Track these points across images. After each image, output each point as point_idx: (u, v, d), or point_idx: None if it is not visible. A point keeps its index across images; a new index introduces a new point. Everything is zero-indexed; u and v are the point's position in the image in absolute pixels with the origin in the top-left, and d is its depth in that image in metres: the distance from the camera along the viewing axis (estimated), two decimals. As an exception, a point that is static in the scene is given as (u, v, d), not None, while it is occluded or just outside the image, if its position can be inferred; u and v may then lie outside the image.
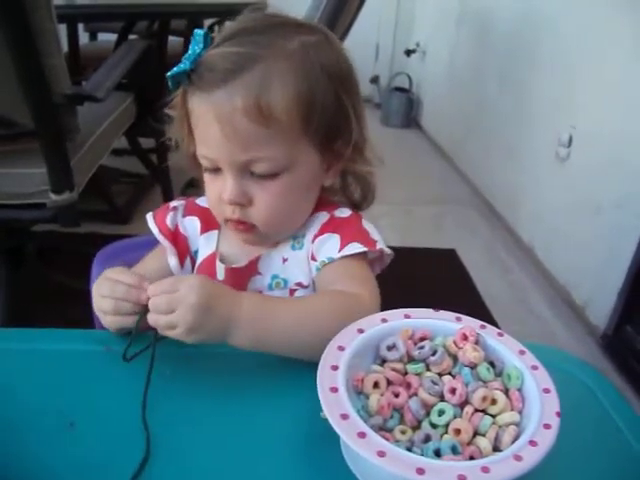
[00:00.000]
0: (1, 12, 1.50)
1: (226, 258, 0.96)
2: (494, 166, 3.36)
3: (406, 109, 4.82)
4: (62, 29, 1.73)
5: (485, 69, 3.57)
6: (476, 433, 0.63)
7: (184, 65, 0.80)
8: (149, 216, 1.00)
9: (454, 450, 0.59)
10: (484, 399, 0.64)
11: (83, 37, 3.53)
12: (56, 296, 2.23)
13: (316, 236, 0.91)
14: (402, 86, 4.88)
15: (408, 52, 4.91)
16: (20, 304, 2.18)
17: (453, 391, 0.64)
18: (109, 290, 0.78)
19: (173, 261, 0.97)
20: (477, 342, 0.69)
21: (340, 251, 0.87)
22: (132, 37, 3.04)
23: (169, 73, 0.82)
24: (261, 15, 0.87)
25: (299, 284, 0.93)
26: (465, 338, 0.69)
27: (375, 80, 5.14)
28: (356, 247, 0.87)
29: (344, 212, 0.94)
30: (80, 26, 3.34)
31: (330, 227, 0.91)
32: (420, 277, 2.63)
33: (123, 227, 2.84)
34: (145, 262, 0.98)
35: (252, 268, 0.94)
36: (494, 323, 0.73)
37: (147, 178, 3.21)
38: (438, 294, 2.42)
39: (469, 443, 0.62)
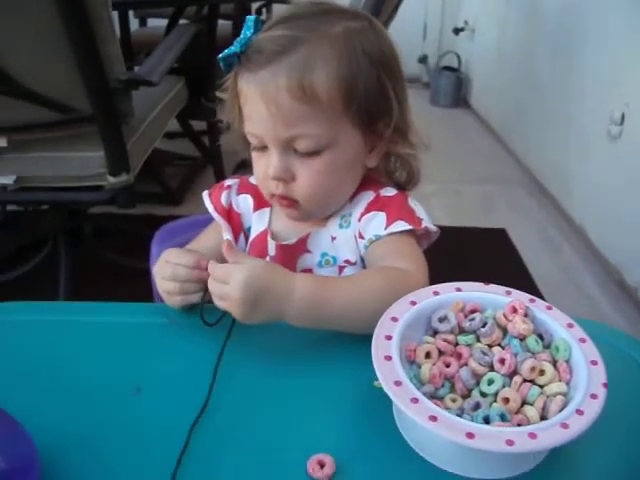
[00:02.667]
0: (60, 1, 1.55)
1: (277, 235, 0.99)
2: (545, 145, 3.32)
3: (455, 88, 4.78)
4: (114, 16, 1.79)
5: (535, 46, 3.52)
6: (524, 402, 0.65)
7: (234, 48, 0.85)
8: (205, 194, 1.05)
9: (502, 417, 0.62)
10: (532, 370, 0.66)
11: (133, 23, 3.59)
12: (113, 275, 2.30)
13: (362, 214, 0.94)
14: (451, 65, 4.83)
15: (456, 30, 4.86)
16: (79, 283, 2.26)
17: (502, 361, 0.66)
18: (171, 273, 0.83)
19: (227, 237, 1.01)
20: (526, 315, 0.71)
21: (386, 229, 0.89)
22: (182, 22, 3.08)
23: (220, 55, 0.86)
24: (308, 2, 0.91)
25: (347, 261, 0.95)
26: (514, 311, 0.71)
27: (423, 60, 5.10)
28: (401, 225, 0.89)
29: (390, 191, 0.96)
30: (131, 12, 3.40)
31: (376, 205, 0.94)
32: (470, 257, 2.63)
33: (176, 208, 2.90)
34: (200, 239, 1.03)
35: (301, 246, 0.97)
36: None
37: (199, 160, 3.26)
38: (488, 273, 2.39)
39: (517, 412, 0.64)
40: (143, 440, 0.66)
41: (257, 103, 0.85)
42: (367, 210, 0.94)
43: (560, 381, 0.66)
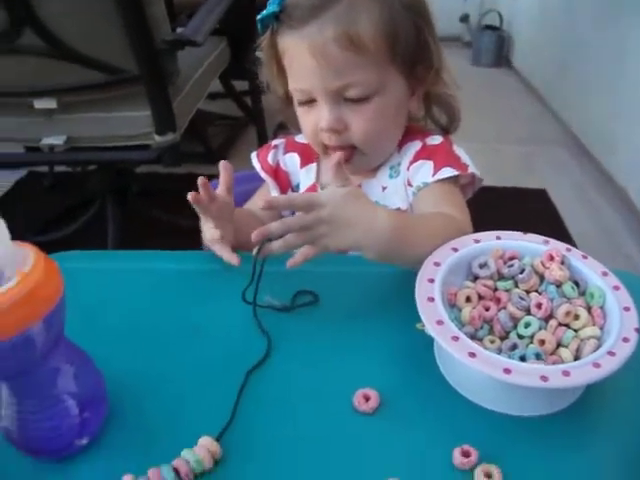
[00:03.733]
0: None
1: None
2: (588, 105, 3.27)
3: (497, 47, 4.71)
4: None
5: (580, 4, 3.45)
6: (559, 345, 0.68)
7: (272, 7, 0.88)
8: (253, 155, 1.09)
9: (538, 357, 0.65)
10: (567, 314, 0.69)
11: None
12: (158, 232, 2.36)
13: (411, 163, 0.98)
14: (493, 24, 4.76)
15: (499, -12, 4.77)
16: (126, 240, 2.33)
17: (539, 306, 0.70)
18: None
19: (275, 195, 1.05)
20: (563, 263, 0.74)
21: (434, 176, 0.93)
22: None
23: (259, 17, 0.89)
24: None
25: (398, 209, 0.99)
26: (551, 259, 0.74)
27: (465, 19, 5.03)
28: (448, 171, 0.92)
29: (436, 139, 1.00)
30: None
31: (423, 154, 0.97)
32: (510, 216, 2.62)
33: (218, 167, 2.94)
34: (253, 200, 1.08)
35: None
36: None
37: (241, 120, 3.30)
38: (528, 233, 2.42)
39: (552, 353, 0.67)
40: (202, 379, 0.72)
41: (304, 57, 0.88)
42: (415, 159, 0.98)
43: (594, 325, 0.69)
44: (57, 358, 0.60)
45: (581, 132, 3.36)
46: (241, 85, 3.00)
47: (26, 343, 0.54)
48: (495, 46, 4.70)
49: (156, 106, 1.87)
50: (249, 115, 3.12)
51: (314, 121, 0.93)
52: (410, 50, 0.91)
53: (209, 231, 0.87)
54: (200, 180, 0.81)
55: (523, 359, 0.65)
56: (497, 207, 2.41)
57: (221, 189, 0.86)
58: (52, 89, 1.89)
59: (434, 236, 0.80)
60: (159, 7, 1.79)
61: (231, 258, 0.85)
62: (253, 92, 2.92)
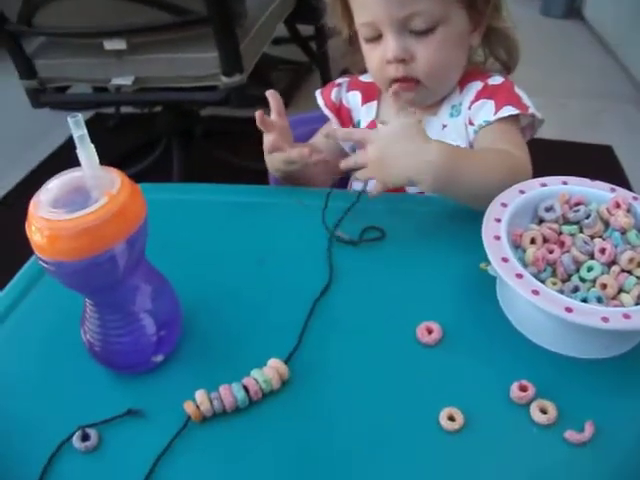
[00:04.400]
0: None
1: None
2: (661, 60, 3.16)
3: (568, -2, 4.56)
4: None
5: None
6: (621, 290, 0.69)
7: None
8: (318, 92, 1.13)
9: (599, 300, 0.66)
10: (631, 261, 0.69)
11: None
12: (223, 172, 2.39)
13: (472, 102, 0.98)
14: (565, -27, 4.60)
15: None
16: (192, 180, 2.37)
17: (603, 251, 0.70)
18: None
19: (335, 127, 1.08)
20: (629, 211, 0.74)
21: (495, 114, 0.93)
22: None
23: None
24: None
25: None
26: (618, 206, 0.74)
27: (536, -33, 4.87)
28: (510, 110, 0.93)
29: (497, 80, 1.00)
30: None
31: (485, 93, 0.98)
32: (573, 172, 2.59)
33: (283, 111, 2.95)
34: (317, 136, 1.10)
35: None
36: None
37: (305, 65, 3.29)
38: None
39: (614, 298, 0.68)
40: (271, 304, 0.75)
41: None
42: (477, 98, 0.98)
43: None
44: (137, 278, 0.64)
45: (653, 88, 3.26)
46: (306, 30, 2.99)
47: (111, 261, 0.58)
48: (566, -3, 4.55)
49: (223, 47, 1.89)
50: (314, 60, 3.11)
51: (380, 55, 0.95)
52: None
53: (269, 141, 0.91)
54: (258, 113, 0.88)
55: (584, 302, 0.66)
56: (561, 161, 2.36)
57: (274, 115, 0.92)
58: (122, 30, 1.92)
59: (490, 168, 0.83)
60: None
61: (296, 152, 0.89)
62: (318, 37, 2.90)
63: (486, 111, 0.95)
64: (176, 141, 2.44)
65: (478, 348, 0.69)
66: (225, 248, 0.85)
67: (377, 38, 0.94)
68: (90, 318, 0.65)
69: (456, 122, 1.00)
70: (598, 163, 2.77)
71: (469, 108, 0.99)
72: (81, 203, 0.57)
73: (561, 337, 0.67)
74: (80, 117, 0.57)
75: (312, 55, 3.09)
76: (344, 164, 0.84)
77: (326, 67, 2.95)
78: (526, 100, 0.97)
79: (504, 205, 0.74)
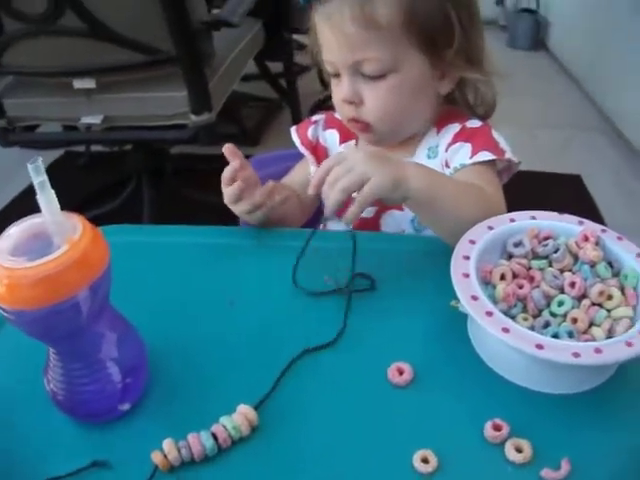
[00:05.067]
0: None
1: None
2: (624, 90, 3.22)
3: (533, 31, 4.64)
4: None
5: (618, -13, 3.39)
6: (591, 324, 0.69)
7: None
8: (293, 129, 1.12)
9: (570, 335, 0.66)
10: (601, 294, 0.69)
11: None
12: (192, 211, 2.38)
13: (449, 145, 0.98)
14: (529, 7, 4.69)
15: (536, -29, 4.71)
16: (161, 220, 2.35)
17: (573, 285, 0.70)
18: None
19: (313, 169, 1.07)
20: (597, 243, 0.74)
21: (471, 158, 0.93)
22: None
23: None
24: None
25: None
26: (586, 239, 0.74)
27: (501, 2, 4.96)
28: (486, 155, 0.93)
29: (475, 123, 1.00)
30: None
31: (462, 136, 0.98)
32: (544, 202, 2.60)
33: (253, 148, 2.95)
34: (291, 174, 1.10)
35: None
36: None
37: (275, 101, 3.31)
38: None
39: (585, 332, 0.68)
40: (239, 347, 0.74)
41: (327, 33, 0.92)
42: (454, 141, 0.98)
43: (627, 306, 0.69)
44: (102, 324, 0.63)
45: (618, 117, 3.32)
46: (276, 67, 3.02)
47: (73, 308, 0.57)
48: (531, 29, 4.64)
49: (192, 86, 1.89)
50: (283, 96, 3.13)
51: (339, 93, 0.96)
52: (432, 31, 0.91)
53: (234, 191, 0.89)
54: (226, 147, 0.88)
55: (556, 337, 0.66)
56: (531, 191, 2.39)
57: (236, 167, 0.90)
58: (91, 69, 1.92)
59: (464, 192, 0.84)
60: (196, -13, 1.81)
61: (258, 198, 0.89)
62: (287, 74, 2.93)
63: (462, 154, 0.95)
64: (146, 179, 2.43)
65: (450, 387, 0.68)
66: (194, 290, 0.83)
67: (338, 75, 0.96)
68: (53, 367, 0.64)
69: (433, 164, 1.00)
70: (568, 192, 2.81)
71: (446, 150, 0.99)
72: (42, 250, 0.55)
73: (534, 373, 0.67)
74: (40, 163, 0.55)
75: (282, 92, 3.11)
76: (311, 189, 0.80)
77: (296, 104, 2.97)
78: (503, 145, 0.97)
79: (472, 242, 0.74)
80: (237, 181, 0.88)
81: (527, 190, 2.14)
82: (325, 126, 1.10)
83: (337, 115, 1.08)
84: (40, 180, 0.56)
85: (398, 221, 1.02)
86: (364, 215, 1.00)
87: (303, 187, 1.01)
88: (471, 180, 0.90)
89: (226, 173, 0.88)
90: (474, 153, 0.94)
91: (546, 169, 2.92)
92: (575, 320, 0.68)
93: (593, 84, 3.72)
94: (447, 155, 0.98)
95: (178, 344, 0.74)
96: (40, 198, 0.56)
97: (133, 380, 0.66)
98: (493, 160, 0.93)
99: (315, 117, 1.12)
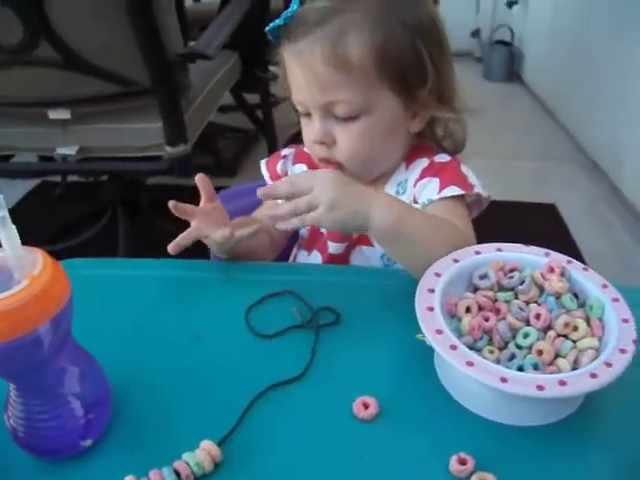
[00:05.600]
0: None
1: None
2: (598, 121, 3.28)
3: (508, 63, 4.72)
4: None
5: (590, 21, 3.46)
6: (557, 355, 0.69)
7: (279, 21, 0.91)
8: (262, 162, 1.12)
9: (535, 367, 0.66)
10: (566, 325, 0.70)
11: (187, -1, 3.66)
12: (168, 243, 2.38)
13: (417, 180, 0.98)
14: (504, 39, 4.78)
15: (510, 4, 4.78)
16: (136, 251, 2.34)
17: (538, 316, 0.70)
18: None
19: (281, 203, 1.06)
20: (562, 275, 0.75)
21: (439, 193, 0.93)
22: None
23: (267, 28, 0.92)
24: None
25: None
26: (551, 270, 0.75)
27: (476, 34, 5.05)
28: (454, 190, 0.93)
29: (443, 157, 1.00)
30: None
31: (430, 172, 0.98)
32: (519, 231, 2.62)
33: (230, 180, 2.96)
34: (261, 207, 1.08)
35: None
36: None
37: (252, 133, 3.32)
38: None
39: (550, 364, 0.68)
40: (205, 382, 0.73)
41: (296, 71, 0.91)
42: (422, 176, 0.98)
43: (592, 337, 0.70)
44: (64, 359, 0.62)
45: (591, 147, 3.37)
46: (252, 98, 3.03)
47: (34, 342, 0.56)
48: (506, 61, 4.72)
49: (168, 118, 1.90)
50: (260, 128, 3.15)
51: (310, 132, 0.95)
52: (405, 71, 0.91)
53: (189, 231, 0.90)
54: (170, 203, 0.88)
55: (521, 369, 0.66)
56: (507, 221, 2.41)
57: (202, 200, 0.91)
58: (66, 100, 1.93)
59: (434, 226, 0.84)
60: (172, 20, 1.82)
61: (219, 235, 0.87)
62: (264, 105, 2.95)
63: (430, 190, 0.95)
64: (122, 210, 2.43)
65: (416, 421, 0.67)
66: (160, 324, 0.83)
67: (308, 115, 0.95)
68: (14, 402, 0.62)
69: (403, 200, 1.00)
70: (543, 222, 2.84)
71: (414, 185, 0.99)
72: (2, 285, 0.55)
73: (499, 406, 0.67)
74: (1, 199, 0.55)
75: (258, 123, 3.13)
76: (281, 225, 0.81)
77: (272, 135, 2.99)
78: (472, 179, 0.97)
79: (437, 275, 0.74)
80: (194, 218, 0.89)
81: (503, 220, 2.16)
82: (294, 160, 1.10)
83: (307, 149, 1.08)
84: (1, 216, 0.55)
85: (367, 257, 1.02)
86: (333, 252, 1.02)
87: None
88: (441, 215, 0.90)
89: (180, 208, 0.89)
90: (442, 188, 0.94)
91: (522, 199, 2.95)
92: (541, 352, 0.68)
93: (567, 115, 3.78)
94: (415, 190, 0.98)
95: (142, 378, 0.73)
96: (1, 233, 0.56)
97: (96, 415, 0.65)
98: (462, 195, 0.93)
99: (285, 151, 1.11)
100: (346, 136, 0.93)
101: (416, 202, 0.97)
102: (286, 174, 1.08)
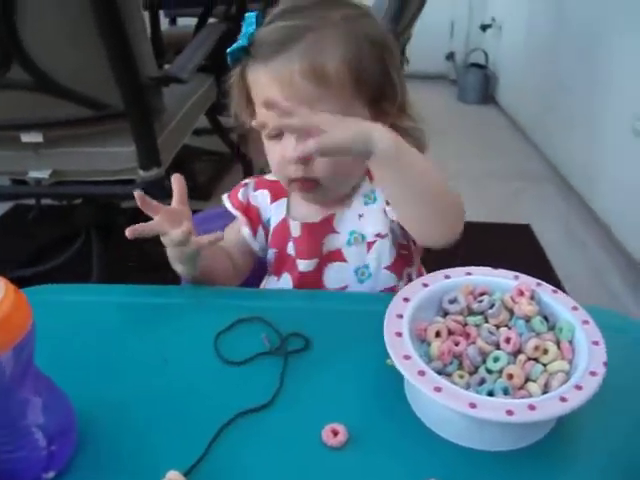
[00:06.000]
0: (94, 2, 1.61)
1: (296, 219, 1.03)
2: (571, 141, 3.32)
3: (482, 85, 4.78)
4: (144, 16, 1.86)
5: (562, 43, 3.52)
6: (528, 379, 0.69)
7: (242, 42, 0.91)
8: (225, 196, 1.11)
9: (505, 391, 0.66)
10: (536, 348, 0.70)
11: (163, 23, 3.67)
12: (143, 267, 2.36)
13: None
14: (478, 62, 4.84)
15: (484, 27, 4.86)
16: (111, 275, 2.32)
17: (508, 340, 0.70)
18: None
19: (246, 230, 1.07)
20: (532, 297, 0.75)
21: None
22: (211, 20, 3.15)
23: (229, 50, 0.92)
24: None
25: (378, 235, 1.00)
26: (521, 294, 0.75)
27: (451, 57, 5.12)
28: None
29: None
30: (161, 12, 3.48)
31: None
32: (494, 252, 2.63)
33: (205, 203, 2.94)
34: (229, 230, 1.08)
35: (327, 226, 1.01)
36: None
37: (227, 156, 3.32)
38: (512, 269, 2.42)
39: (521, 388, 0.68)
40: (173, 409, 0.72)
41: (271, 88, 0.89)
42: None
43: (562, 360, 0.70)
44: (26, 389, 0.60)
45: (565, 168, 3.41)
46: (228, 121, 3.03)
47: (-5, 372, 0.55)
48: (480, 84, 4.78)
49: (141, 142, 1.89)
50: (235, 151, 3.14)
51: (281, 153, 0.94)
52: (375, 84, 0.93)
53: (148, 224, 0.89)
54: (136, 194, 0.86)
55: (491, 394, 0.65)
56: (481, 242, 2.42)
57: (174, 200, 0.91)
58: (39, 123, 1.91)
59: (430, 163, 0.85)
60: (145, 44, 1.82)
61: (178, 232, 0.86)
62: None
63: None
64: (96, 234, 2.40)
65: (386, 448, 0.66)
66: (127, 351, 0.81)
67: (278, 136, 0.94)
68: (-26, 435, 0.61)
69: (373, 209, 1.01)
70: (518, 242, 2.85)
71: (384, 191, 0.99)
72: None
73: (470, 432, 0.66)
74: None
75: (234, 146, 3.12)
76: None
77: (247, 158, 2.98)
78: None
79: (406, 300, 0.74)
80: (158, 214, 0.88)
81: (478, 241, 2.16)
82: (255, 187, 1.09)
83: (267, 177, 1.08)
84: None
85: (340, 273, 1.02)
86: (303, 269, 1.01)
87: (236, 248, 1.04)
88: None
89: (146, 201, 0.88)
90: None
91: (497, 220, 2.97)
92: (511, 376, 0.68)
93: (541, 136, 3.83)
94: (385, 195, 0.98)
95: (108, 407, 0.71)
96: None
97: (59, 446, 0.63)
98: None
99: (245, 180, 1.11)
100: None
101: (388, 204, 0.97)
102: (248, 200, 1.07)
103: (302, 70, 0.87)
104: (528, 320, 0.73)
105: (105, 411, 0.71)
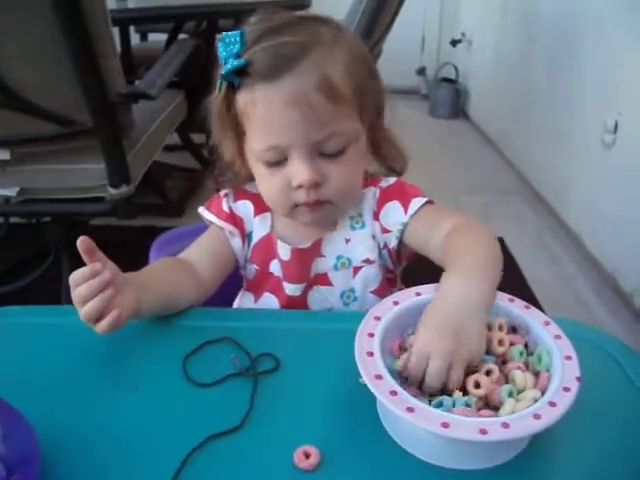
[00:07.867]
0: (62, 20, 1.60)
1: (284, 239, 0.99)
2: (541, 154, 3.35)
3: (453, 100, 4.82)
4: (115, 31, 1.84)
5: (532, 57, 3.56)
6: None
7: (237, 62, 0.83)
8: (202, 209, 1.04)
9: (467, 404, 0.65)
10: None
11: (134, 38, 3.66)
12: (115, 286, 2.33)
13: (377, 213, 0.98)
14: (449, 77, 4.88)
15: (454, 42, 4.90)
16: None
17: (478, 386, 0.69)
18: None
19: (237, 241, 1.02)
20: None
21: (407, 213, 0.95)
22: (181, 36, 3.14)
23: (225, 72, 0.85)
24: (285, 12, 0.91)
25: (366, 260, 0.99)
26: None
27: (422, 72, 5.15)
28: (418, 201, 0.95)
29: (388, 180, 1.01)
30: (131, 28, 3.47)
31: (385, 198, 0.98)
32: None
33: (177, 220, 2.93)
34: (201, 243, 1.02)
35: (316, 250, 0.99)
36: (540, 310, 0.78)
37: (199, 172, 3.30)
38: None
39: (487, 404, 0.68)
40: (142, 434, 0.70)
41: (282, 110, 0.84)
42: (379, 207, 0.98)
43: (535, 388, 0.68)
44: (-16, 419, 0.58)
45: (535, 180, 3.44)
46: (199, 138, 3.02)
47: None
48: (451, 98, 4.82)
49: (110, 159, 1.87)
50: (207, 167, 3.13)
51: (283, 181, 0.89)
52: (372, 98, 0.92)
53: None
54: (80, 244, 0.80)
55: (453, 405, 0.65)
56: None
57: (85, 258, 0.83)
58: (5, 140, 1.89)
59: (480, 241, 0.86)
60: (114, 60, 1.80)
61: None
62: (209, 144, 2.93)
63: (396, 214, 0.96)
64: (65, 252, 2.37)
65: (359, 469, 0.65)
66: (95, 375, 0.79)
67: (279, 163, 0.88)
68: None
69: (361, 234, 0.99)
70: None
71: (375, 219, 0.98)
72: None
73: (443, 451, 0.65)
74: None
75: (205, 162, 3.11)
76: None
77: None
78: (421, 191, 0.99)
79: (377, 319, 0.73)
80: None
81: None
82: (236, 198, 1.03)
83: (249, 187, 1.02)
84: None
85: (326, 296, 1.00)
86: (290, 293, 0.99)
87: (208, 260, 0.98)
88: (431, 223, 0.92)
89: (79, 275, 0.81)
90: (406, 207, 0.95)
91: (469, 233, 2.97)
92: (478, 385, 0.67)
93: (512, 150, 3.86)
94: (382, 221, 0.98)
95: (74, 434, 0.69)
96: None
97: (21, 476, 0.61)
98: (427, 201, 0.96)
99: (224, 191, 1.04)
100: (339, 170, 0.88)
101: (388, 231, 0.97)
102: (232, 210, 1.02)
103: (317, 85, 0.83)
104: (504, 362, 0.72)
105: (70, 438, 0.68)
